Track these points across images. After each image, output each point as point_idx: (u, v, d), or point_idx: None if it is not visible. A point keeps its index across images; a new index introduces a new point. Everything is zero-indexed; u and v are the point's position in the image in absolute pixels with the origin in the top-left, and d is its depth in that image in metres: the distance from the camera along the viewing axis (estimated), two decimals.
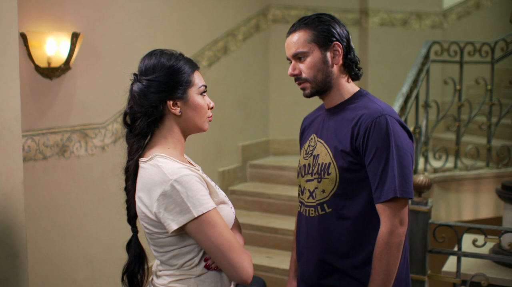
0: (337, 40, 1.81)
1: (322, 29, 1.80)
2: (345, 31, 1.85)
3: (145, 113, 1.59)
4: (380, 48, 5.41)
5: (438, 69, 4.90)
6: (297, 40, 1.82)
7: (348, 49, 1.84)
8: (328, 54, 1.81)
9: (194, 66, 1.64)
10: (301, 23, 1.83)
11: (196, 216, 1.49)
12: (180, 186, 1.49)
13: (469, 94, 5.10)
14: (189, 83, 1.60)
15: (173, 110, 1.60)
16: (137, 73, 1.62)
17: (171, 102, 1.59)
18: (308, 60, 1.81)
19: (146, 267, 1.70)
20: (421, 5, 5.58)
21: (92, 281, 3.45)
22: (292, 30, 1.85)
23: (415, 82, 3.65)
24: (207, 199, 1.52)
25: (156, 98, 1.58)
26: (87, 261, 3.42)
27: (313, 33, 1.80)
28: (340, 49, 1.82)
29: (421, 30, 5.55)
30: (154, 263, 1.69)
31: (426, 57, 3.85)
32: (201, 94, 1.64)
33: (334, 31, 1.81)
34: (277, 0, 5.39)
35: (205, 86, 1.65)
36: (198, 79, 1.63)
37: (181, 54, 1.64)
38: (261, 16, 5.29)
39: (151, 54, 1.62)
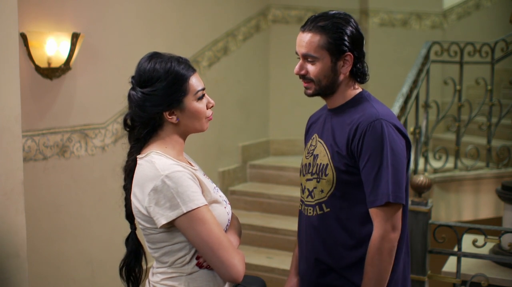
0: (350, 50, 1.79)
1: (337, 37, 1.77)
2: (360, 37, 1.81)
3: (142, 123, 1.61)
4: (380, 48, 5.40)
5: (438, 70, 4.89)
6: (310, 42, 1.78)
7: (359, 57, 1.81)
8: (338, 64, 1.80)
9: (190, 71, 1.61)
10: (317, 25, 1.78)
11: (185, 211, 1.50)
12: (170, 181, 1.50)
13: (469, 95, 5.10)
14: (184, 92, 1.59)
15: (170, 119, 1.60)
16: (134, 75, 1.62)
17: (168, 112, 1.59)
18: (317, 65, 1.79)
19: (145, 264, 1.70)
20: (421, 5, 5.57)
21: (92, 281, 3.45)
22: (308, 28, 1.80)
23: (415, 83, 3.65)
24: (198, 195, 1.53)
25: (153, 111, 1.58)
26: (87, 261, 3.42)
27: (328, 40, 1.77)
28: (350, 60, 1.80)
29: (421, 31, 5.55)
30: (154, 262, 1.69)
31: (426, 57, 3.85)
32: (198, 99, 1.62)
33: (349, 40, 1.78)
34: (277, 0, 5.39)
35: (203, 89, 1.63)
36: (195, 83, 1.61)
37: (177, 60, 1.60)
38: (261, 16, 5.29)
39: (149, 60, 1.60)
